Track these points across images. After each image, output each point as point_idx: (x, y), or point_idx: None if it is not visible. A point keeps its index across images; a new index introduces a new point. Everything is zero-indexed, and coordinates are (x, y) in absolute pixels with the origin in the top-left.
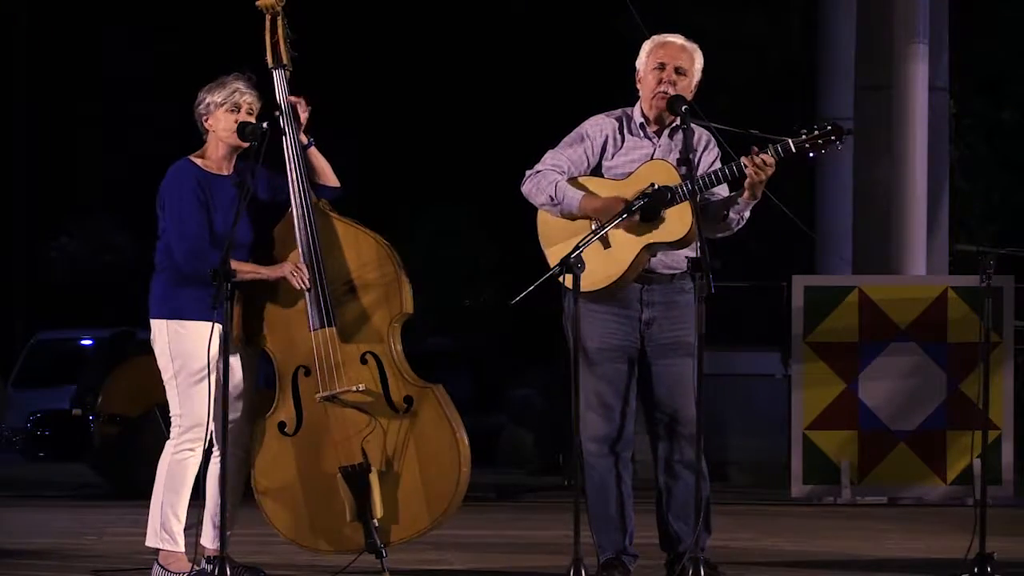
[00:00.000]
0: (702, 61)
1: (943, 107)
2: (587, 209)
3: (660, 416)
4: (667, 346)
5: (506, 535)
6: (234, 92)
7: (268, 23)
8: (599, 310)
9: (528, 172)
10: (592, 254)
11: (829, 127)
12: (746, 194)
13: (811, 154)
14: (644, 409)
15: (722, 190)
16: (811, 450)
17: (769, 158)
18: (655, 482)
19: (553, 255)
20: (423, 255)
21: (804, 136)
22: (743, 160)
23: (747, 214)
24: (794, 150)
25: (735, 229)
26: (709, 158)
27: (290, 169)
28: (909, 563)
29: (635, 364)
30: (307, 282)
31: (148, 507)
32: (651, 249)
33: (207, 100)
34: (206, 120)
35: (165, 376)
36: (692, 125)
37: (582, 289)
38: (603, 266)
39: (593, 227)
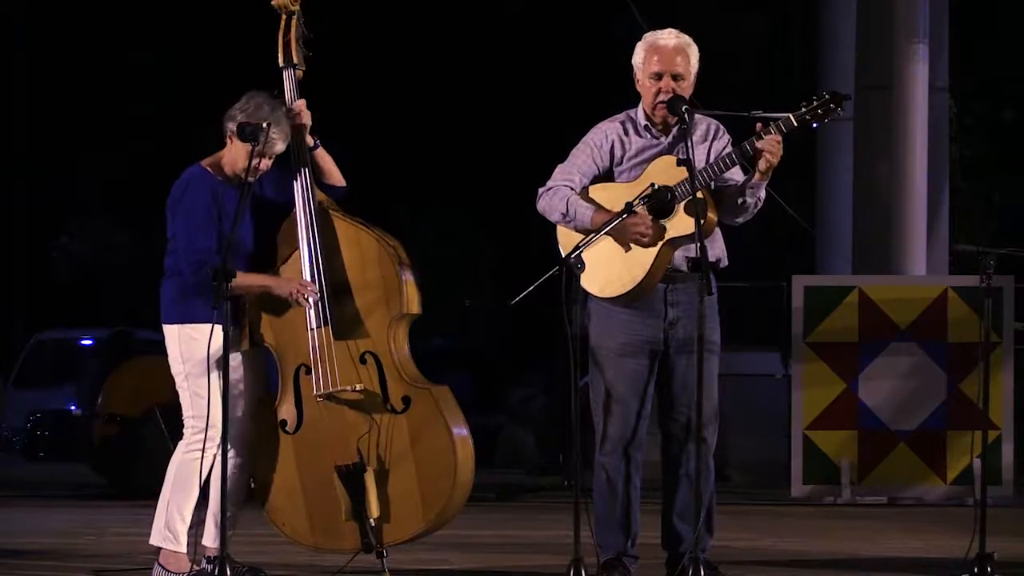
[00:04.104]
0: (698, 53)
1: (943, 107)
2: (598, 223)
3: (676, 415)
4: (690, 345)
5: (506, 535)
6: (272, 142)
7: (283, 23)
8: (624, 312)
9: (541, 190)
10: (614, 260)
11: (827, 95)
12: (759, 176)
13: (814, 124)
14: (660, 407)
15: (734, 175)
16: (811, 450)
17: (776, 136)
18: (663, 481)
19: None
20: (423, 255)
21: (804, 109)
22: (753, 141)
23: (762, 193)
24: (796, 124)
25: (754, 212)
26: (719, 146)
27: (295, 170)
28: (909, 563)
29: (656, 365)
30: (310, 300)
31: (148, 507)
32: (673, 244)
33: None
34: (231, 137)
35: (177, 379)
36: (699, 116)
37: (608, 295)
38: (627, 270)
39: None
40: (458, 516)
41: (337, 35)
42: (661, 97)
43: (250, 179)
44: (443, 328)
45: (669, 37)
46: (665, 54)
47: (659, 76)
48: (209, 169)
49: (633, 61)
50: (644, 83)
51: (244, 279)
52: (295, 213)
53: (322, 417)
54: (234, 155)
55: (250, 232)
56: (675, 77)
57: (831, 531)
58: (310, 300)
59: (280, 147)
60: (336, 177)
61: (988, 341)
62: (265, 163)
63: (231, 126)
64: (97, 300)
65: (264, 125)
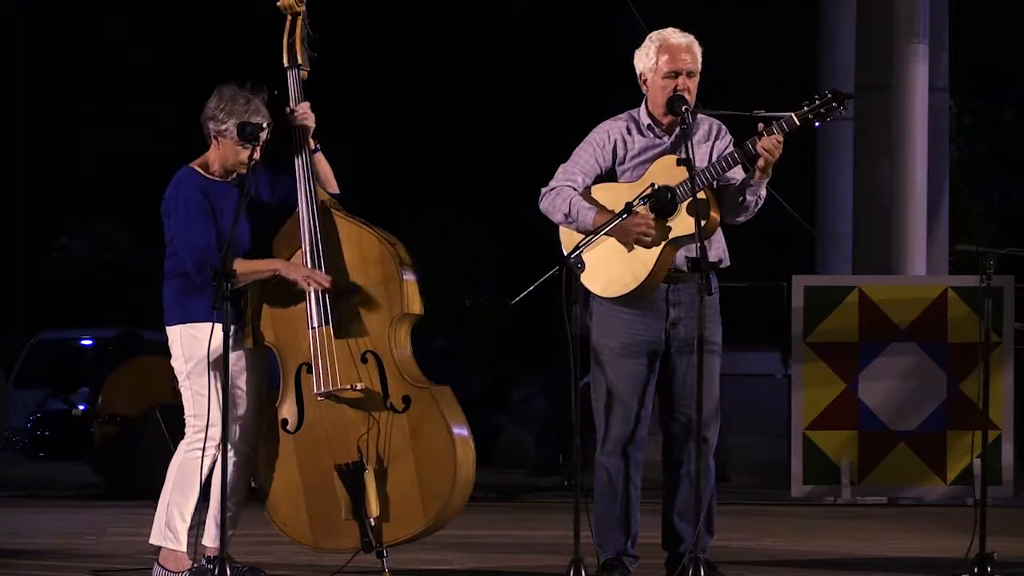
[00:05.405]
0: (700, 49)
1: (943, 107)
2: (599, 224)
3: (678, 415)
4: (691, 345)
5: (506, 535)
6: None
7: (288, 24)
8: (626, 311)
9: (543, 190)
10: (616, 260)
11: (829, 95)
12: (759, 174)
13: (817, 123)
14: (661, 407)
15: (736, 174)
16: (811, 450)
17: (779, 137)
18: (664, 481)
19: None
20: (423, 255)
21: (806, 108)
22: (755, 141)
23: (763, 192)
24: (798, 123)
25: (755, 211)
26: (721, 145)
27: (299, 169)
28: (909, 563)
29: (656, 365)
30: (323, 285)
31: (148, 507)
32: (676, 244)
33: (227, 124)
34: (216, 137)
35: (180, 379)
36: (702, 115)
37: (610, 295)
38: (629, 269)
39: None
40: (458, 516)
41: (341, 35)
42: (679, 95)
43: (247, 172)
44: (443, 328)
45: (678, 35)
46: (677, 53)
47: (675, 74)
48: (198, 169)
49: (640, 62)
50: (656, 83)
51: (250, 265)
52: (297, 213)
53: (323, 416)
54: (223, 152)
55: (247, 230)
56: (689, 75)
57: (831, 531)
58: (309, 294)
59: (267, 131)
60: (331, 184)
61: (988, 341)
62: (257, 151)
63: (213, 126)
64: (97, 300)
65: (264, 125)
